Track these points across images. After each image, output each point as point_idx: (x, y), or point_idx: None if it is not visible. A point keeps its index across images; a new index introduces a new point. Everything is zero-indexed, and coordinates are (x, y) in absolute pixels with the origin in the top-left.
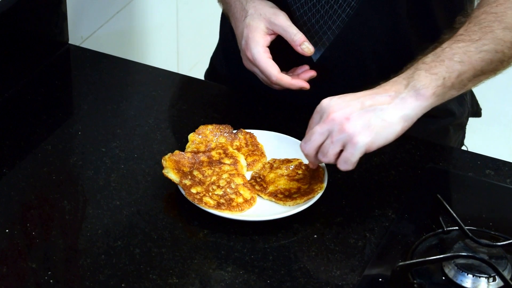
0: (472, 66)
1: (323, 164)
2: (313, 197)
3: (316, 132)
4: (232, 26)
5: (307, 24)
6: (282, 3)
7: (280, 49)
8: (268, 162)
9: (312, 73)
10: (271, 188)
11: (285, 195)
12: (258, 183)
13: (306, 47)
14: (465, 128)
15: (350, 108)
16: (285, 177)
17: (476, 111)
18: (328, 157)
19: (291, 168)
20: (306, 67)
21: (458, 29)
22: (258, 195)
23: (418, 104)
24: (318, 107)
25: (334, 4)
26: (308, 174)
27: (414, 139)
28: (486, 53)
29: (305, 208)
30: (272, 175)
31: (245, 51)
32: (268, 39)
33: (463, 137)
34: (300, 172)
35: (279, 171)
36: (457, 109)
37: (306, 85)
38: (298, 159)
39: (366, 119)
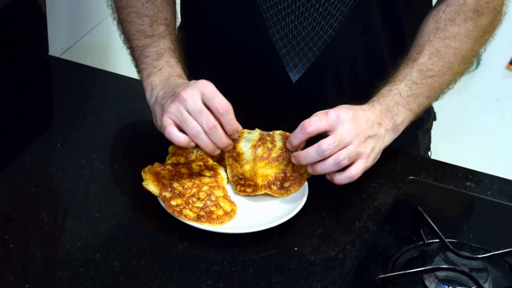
0: (435, 97)
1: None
2: (305, 181)
3: (334, 161)
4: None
5: (287, 46)
6: (258, 25)
7: (258, 74)
8: (228, 156)
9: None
10: (260, 182)
11: (278, 187)
12: (245, 185)
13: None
14: (430, 133)
15: (364, 155)
16: (259, 162)
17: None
18: (321, 171)
19: (257, 151)
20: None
21: (424, 54)
22: (255, 195)
23: (393, 136)
24: (343, 133)
25: (316, 26)
26: (271, 146)
27: (395, 151)
28: (446, 85)
29: (285, 221)
30: (247, 167)
31: (190, 88)
32: None
33: (429, 141)
34: (268, 145)
35: (245, 158)
36: (425, 115)
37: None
38: (246, 132)
39: (370, 149)
